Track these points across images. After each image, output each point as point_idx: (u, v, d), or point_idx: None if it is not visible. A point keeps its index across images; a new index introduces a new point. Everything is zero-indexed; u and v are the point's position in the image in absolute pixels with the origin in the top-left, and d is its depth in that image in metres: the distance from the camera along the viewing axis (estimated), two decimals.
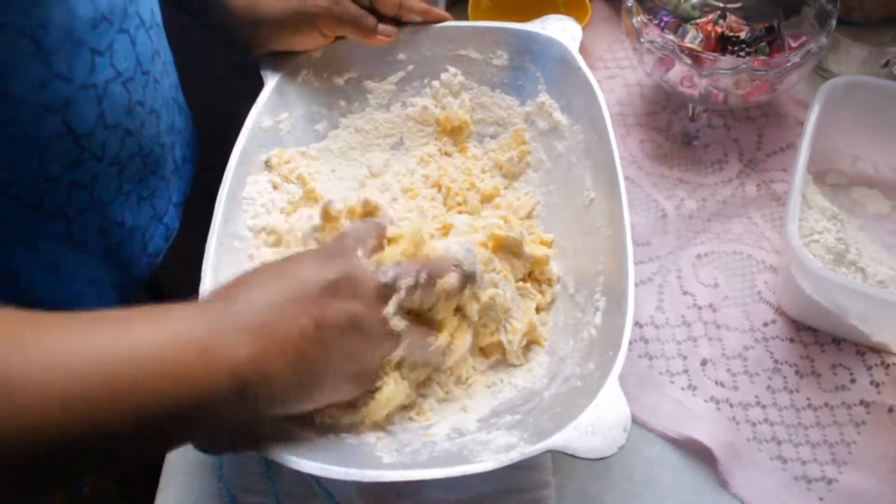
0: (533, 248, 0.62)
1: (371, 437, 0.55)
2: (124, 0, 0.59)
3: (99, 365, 0.39)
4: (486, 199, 0.70)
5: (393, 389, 0.53)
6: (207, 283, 0.57)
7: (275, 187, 0.68)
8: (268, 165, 0.68)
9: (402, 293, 0.51)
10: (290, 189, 0.68)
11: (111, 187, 0.62)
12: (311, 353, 0.46)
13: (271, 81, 0.70)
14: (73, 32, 0.53)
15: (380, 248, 0.54)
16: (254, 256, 0.63)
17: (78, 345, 0.39)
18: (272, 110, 0.69)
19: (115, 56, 0.58)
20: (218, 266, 0.58)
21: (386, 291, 0.50)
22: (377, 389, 0.53)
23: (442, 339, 0.55)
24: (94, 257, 0.63)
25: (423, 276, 0.52)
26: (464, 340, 0.57)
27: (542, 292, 0.64)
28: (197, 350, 0.42)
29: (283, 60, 0.71)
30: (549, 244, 0.66)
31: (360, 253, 0.51)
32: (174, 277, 0.93)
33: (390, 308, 0.50)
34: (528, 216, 0.69)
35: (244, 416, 0.46)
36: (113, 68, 0.58)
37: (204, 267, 0.57)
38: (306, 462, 0.48)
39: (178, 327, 0.43)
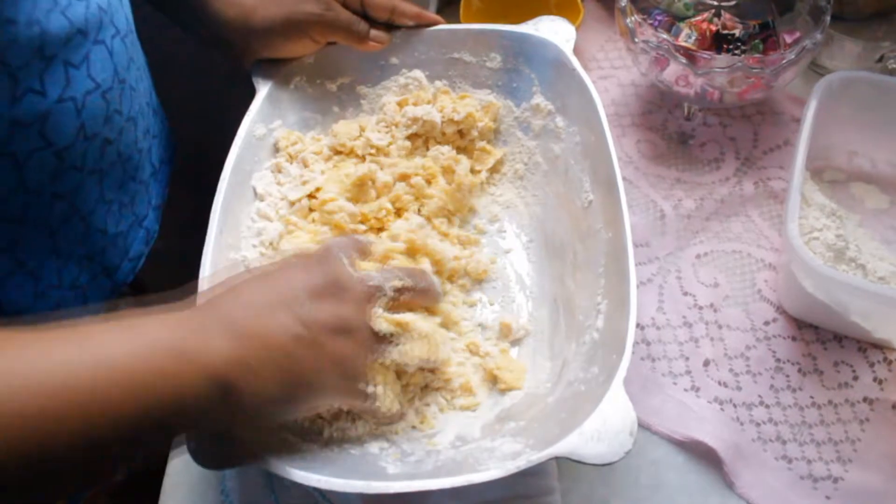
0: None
1: (374, 448, 0.54)
2: (100, 12, 0.59)
3: (57, 378, 0.38)
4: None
5: (384, 393, 0.52)
6: (204, 292, 0.56)
7: (279, 170, 0.68)
8: (276, 147, 0.69)
9: (389, 293, 0.51)
10: (293, 172, 0.68)
11: (92, 196, 0.62)
12: (297, 355, 0.46)
13: (263, 89, 0.69)
14: (43, 49, 0.53)
15: (361, 259, 0.55)
16: (250, 267, 0.63)
17: (35, 361, 0.39)
18: (265, 118, 0.68)
19: (93, 67, 0.58)
20: (215, 279, 0.58)
21: (371, 294, 0.51)
22: (372, 398, 0.52)
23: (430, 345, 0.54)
24: (76, 264, 0.63)
25: (407, 280, 0.53)
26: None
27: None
28: (175, 354, 0.42)
29: (275, 67, 0.71)
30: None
31: (345, 260, 0.52)
32: (155, 279, 0.92)
33: (377, 308, 0.51)
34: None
35: (231, 421, 0.46)
36: (91, 80, 0.58)
37: (200, 281, 0.57)
38: (311, 475, 0.47)
39: (155, 333, 0.43)
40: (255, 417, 0.46)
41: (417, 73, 0.73)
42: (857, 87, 0.69)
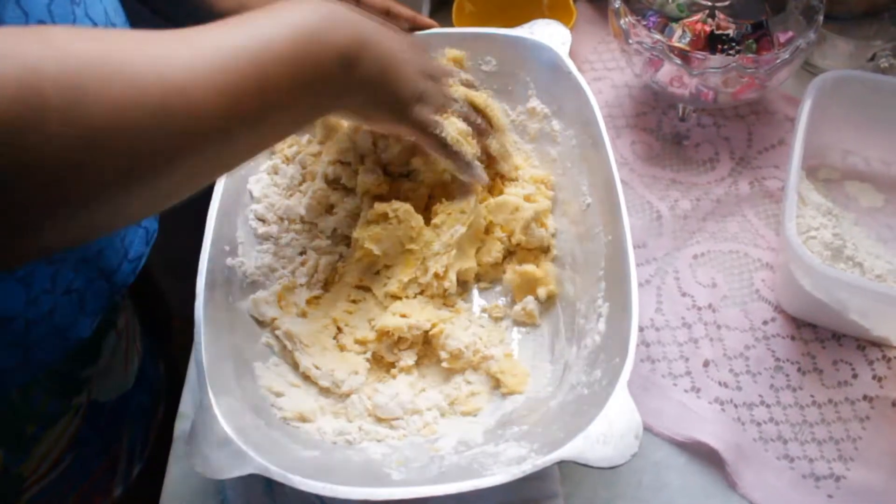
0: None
1: (377, 454, 0.54)
2: (70, 3, 0.56)
3: (235, 51, 0.43)
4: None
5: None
6: (201, 298, 0.55)
7: (275, 171, 0.68)
8: (271, 149, 0.70)
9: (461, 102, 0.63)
10: (289, 173, 0.68)
11: None
12: (400, 59, 0.55)
13: None
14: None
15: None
16: (248, 272, 0.62)
17: (205, 42, 0.43)
18: None
19: None
20: (213, 283, 0.57)
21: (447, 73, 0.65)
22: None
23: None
24: (70, 268, 0.61)
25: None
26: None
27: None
28: (312, 36, 0.48)
29: None
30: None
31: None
32: (160, 278, 0.92)
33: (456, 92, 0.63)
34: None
35: (346, 94, 0.53)
36: None
37: (198, 283, 0.56)
38: (315, 482, 0.47)
39: (297, 19, 0.48)
40: (361, 91, 0.54)
41: None
42: (851, 86, 0.69)
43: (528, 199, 0.66)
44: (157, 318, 0.91)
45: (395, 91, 0.56)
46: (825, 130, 0.70)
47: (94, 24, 0.59)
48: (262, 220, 0.65)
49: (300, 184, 0.68)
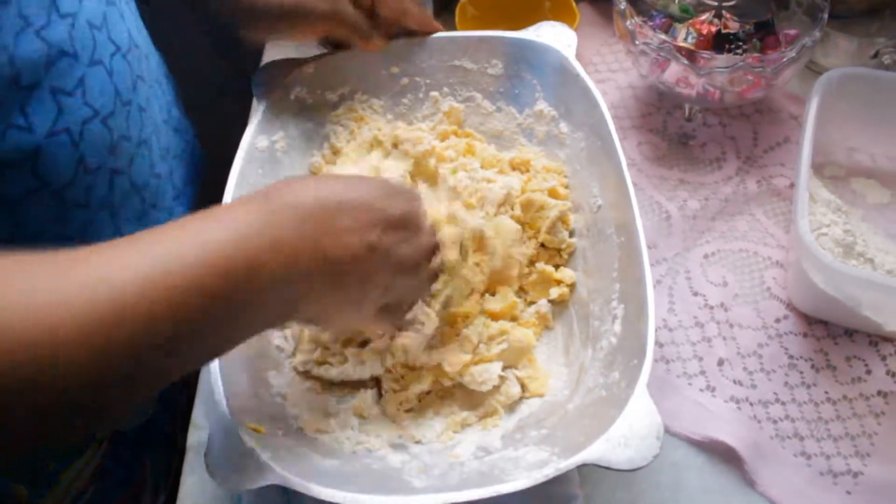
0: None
1: (396, 462, 0.54)
2: (91, 29, 0.54)
3: (161, 266, 0.38)
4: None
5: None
6: None
7: None
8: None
9: (447, 255, 0.58)
10: None
11: (106, 233, 0.58)
12: (357, 270, 0.47)
13: (264, 101, 0.68)
14: (19, 78, 0.48)
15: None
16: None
17: (140, 254, 0.39)
18: (267, 130, 0.68)
19: (90, 93, 0.54)
20: None
21: (434, 249, 0.54)
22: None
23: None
24: None
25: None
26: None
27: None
28: (265, 243, 0.42)
29: (275, 78, 0.70)
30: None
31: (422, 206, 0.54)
32: None
33: (434, 264, 0.55)
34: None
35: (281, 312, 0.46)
36: (88, 107, 0.54)
37: None
38: (336, 492, 0.47)
39: (244, 223, 0.43)
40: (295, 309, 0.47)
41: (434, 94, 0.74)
42: (856, 84, 0.70)
43: (552, 192, 0.66)
44: None
45: (345, 310, 0.49)
46: (831, 128, 0.71)
47: (118, 48, 0.58)
48: None
49: None
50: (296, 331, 0.62)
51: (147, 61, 0.65)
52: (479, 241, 0.62)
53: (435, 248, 0.55)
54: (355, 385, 0.60)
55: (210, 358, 0.46)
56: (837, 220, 0.66)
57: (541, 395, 0.59)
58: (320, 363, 0.60)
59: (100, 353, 0.35)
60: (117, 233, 0.60)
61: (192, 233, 0.41)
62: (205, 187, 0.77)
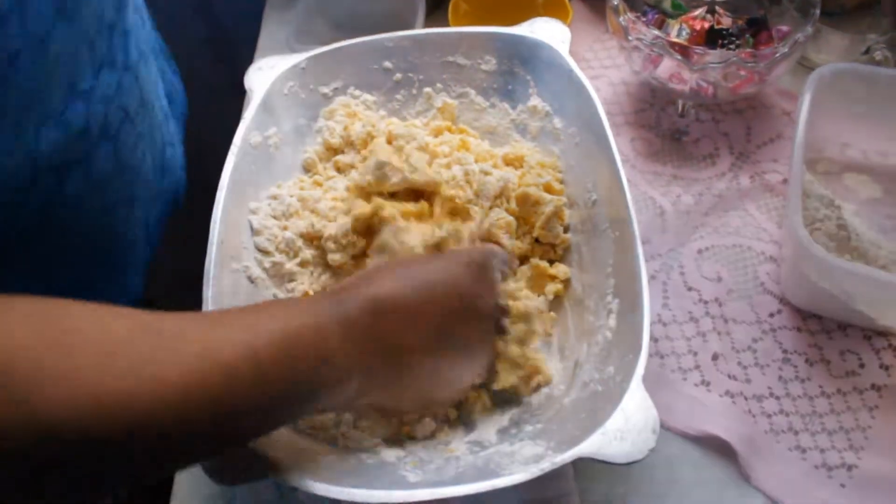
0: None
1: (391, 457, 0.54)
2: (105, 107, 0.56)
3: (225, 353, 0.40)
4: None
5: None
6: (210, 309, 0.55)
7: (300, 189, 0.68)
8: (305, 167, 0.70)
9: (506, 326, 0.58)
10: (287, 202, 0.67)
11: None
12: (422, 362, 0.51)
13: (257, 96, 0.68)
14: (37, 161, 0.51)
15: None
16: (253, 277, 0.62)
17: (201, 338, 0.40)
18: (260, 125, 0.67)
19: (92, 167, 0.57)
20: (220, 294, 0.56)
21: (501, 315, 0.57)
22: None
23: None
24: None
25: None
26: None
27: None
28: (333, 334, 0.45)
29: (268, 74, 0.70)
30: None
31: (498, 276, 0.57)
32: (161, 294, 0.91)
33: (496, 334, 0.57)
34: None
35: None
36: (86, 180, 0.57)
37: (205, 294, 0.56)
38: (331, 487, 0.46)
39: (324, 313, 0.46)
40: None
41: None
42: (849, 79, 0.70)
43: (547, 188, 0.66)
44: None
45: (414, 396, 0.53)
46: (823, 124, 0.71)
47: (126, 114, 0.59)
48: (265, 252, 0.64)
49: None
50: None
51: (153, 111, 0.66)
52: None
53: (502, 314, 0.57)
54: None
55: (271, 429, 0.47)
56: (831, 214, 0.66)
57: (549, 381, 0.59)
58: None
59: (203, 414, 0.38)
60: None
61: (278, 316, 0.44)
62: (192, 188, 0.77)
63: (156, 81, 0.68)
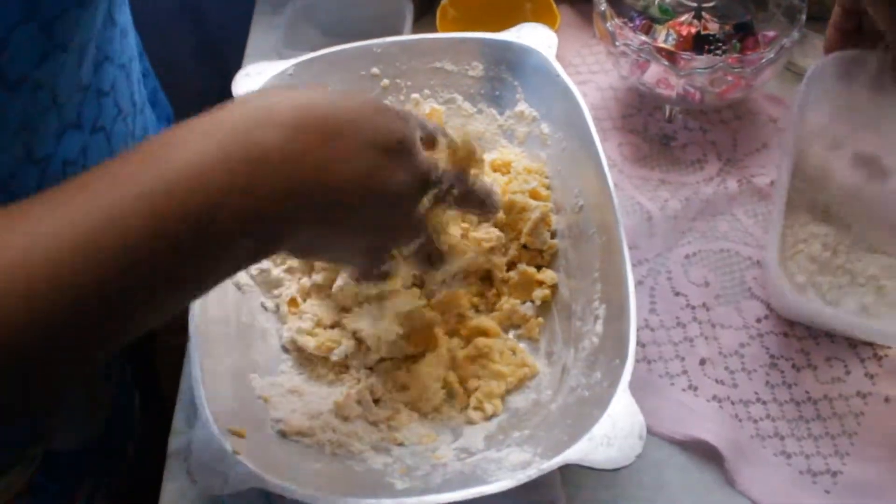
0: None
1: (378, 463, 0.54)
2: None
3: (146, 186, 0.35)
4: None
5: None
6: (196, 317, 0.55)
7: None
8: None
9: (443, 187, 0.49)
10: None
11: None
12: (351, 201, 0.42)
13: None
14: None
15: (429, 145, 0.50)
16: (240, 284, 0.62)
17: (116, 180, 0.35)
18: None
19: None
20: (206, 302, 0.56)
21: (430, 176, 0.47)
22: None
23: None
24: None
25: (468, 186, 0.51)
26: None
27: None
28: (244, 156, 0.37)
29: (255, 80, 0.69)
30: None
31: (419, 133, 0.47)
32: None
33: (426, 201, 0.48)
34: None
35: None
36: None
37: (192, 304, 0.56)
38: (318, 494, 0.46)
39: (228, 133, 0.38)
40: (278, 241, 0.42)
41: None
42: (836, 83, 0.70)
43: (533, 194, 0.66)
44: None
45: (334, 244, 0.46)
46: (811, 129, 0.71)
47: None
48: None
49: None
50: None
51: (143, 114, 0.65)
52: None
53: (430, 177, 0.47)
54: (341, 381, 0.60)
55: (176, 307, 0.40)
56: (817, 232, 0.66)
57: (537, 373, 0.60)
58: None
59: (39, 314, 0.33)
60: None
61: (144, 169, 0.36)
62: None
63: (143, 87, 0.67)
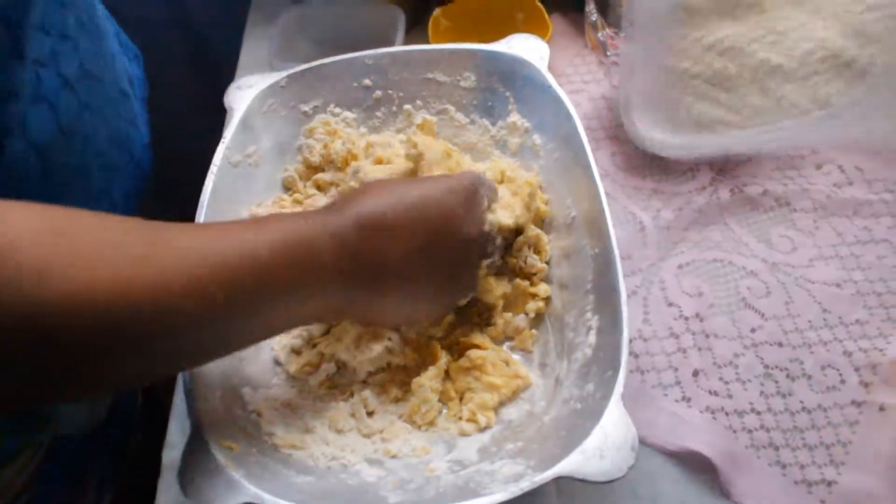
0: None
1: (371, 477, 0.53)
2: (35, 66, 0.55)
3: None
4: None
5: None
6: None
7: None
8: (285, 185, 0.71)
9: (496, 260, 0.61)
10: None
11: None
12: (397, 278, 0.52)
13: (237, 115, 0.68)
14: None
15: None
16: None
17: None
18: (239, 144, 0.67)
19: (29, 130, 0.56)
20: None
21: (486, 251, 0.59)
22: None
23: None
24: None
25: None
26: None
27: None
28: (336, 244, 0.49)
29: (247, 92, 0.70)
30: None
31: (485, 204, 0.58)
32: None
33: (483, 268, 0.60)
34: None
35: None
36: (27, 141, 0.56)
37: None
38: None
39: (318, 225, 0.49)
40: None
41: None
42: None
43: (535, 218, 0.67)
44: None
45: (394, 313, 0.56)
46: None
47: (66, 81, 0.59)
48: None
49: None
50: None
51: (98, 87, 0.65)
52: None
53: (487, 240, 0.58)
54: (334, 395, 0.60)
55: (258, 338, 0.50)
56: None
57: (530, 384, 0.60)
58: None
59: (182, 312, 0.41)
60: None
61: (233, 234, 0.46)
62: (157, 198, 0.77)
63: (106, 57, 0.68)
